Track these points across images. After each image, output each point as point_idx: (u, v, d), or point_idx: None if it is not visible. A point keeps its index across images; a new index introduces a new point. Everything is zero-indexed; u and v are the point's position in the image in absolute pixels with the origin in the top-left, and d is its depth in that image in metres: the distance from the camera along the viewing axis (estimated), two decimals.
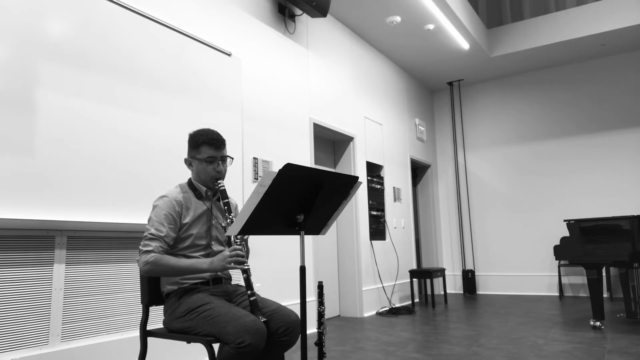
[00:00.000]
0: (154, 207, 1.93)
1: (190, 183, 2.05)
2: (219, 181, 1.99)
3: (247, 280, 1.84)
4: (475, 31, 6.13)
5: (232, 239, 1.89)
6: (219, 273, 2.00)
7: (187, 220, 1.95)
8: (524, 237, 6.97)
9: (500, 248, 7.14)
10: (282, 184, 1.53)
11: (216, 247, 2.03)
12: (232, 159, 2.09)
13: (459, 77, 7.39)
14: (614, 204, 6.39)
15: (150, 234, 1.86)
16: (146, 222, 2.82)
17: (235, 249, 1.81)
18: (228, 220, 1.94)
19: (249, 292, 1.82)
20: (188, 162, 2.05)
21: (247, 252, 2.12)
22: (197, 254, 1.96)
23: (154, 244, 1.83)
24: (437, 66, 6.90)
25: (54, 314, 2.47)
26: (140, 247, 1.84)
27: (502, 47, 6.58)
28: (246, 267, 1.84)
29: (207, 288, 1.94)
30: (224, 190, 1.99)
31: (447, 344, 3.64)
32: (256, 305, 1.81)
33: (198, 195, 2.02)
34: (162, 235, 1.86)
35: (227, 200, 1.97)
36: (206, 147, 1.97)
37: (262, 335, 1.67)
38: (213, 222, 2.03)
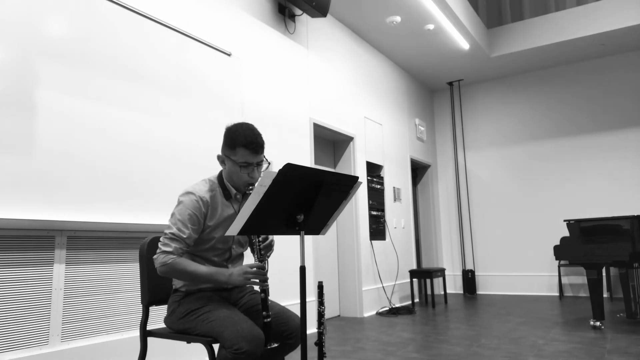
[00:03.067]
0: (179, 202, 1.84)
1: (220, 180, 1.94)
2: (250, 187, 1.88)
3: (264, 300, 1.76)
4: (475, 31, 6.13)
5: (256, 242, 1.81)
6: (229, 285, 1.97)
7: (211, 223, 1.87)
8: (524, 237, 6.97)
9: (500, 248, 7.14)
10: (282, 183, 1.53)
11: (236, 250, 1.98)
12: (270, 163, 1.95)
13: (459, 77, 7.39)
14: (614, 204, 6.39)
15: (172, 233, 1.78)
16: (148, 220, 2.83)
17: (258, 265, 1.74)
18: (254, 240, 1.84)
19: (264, 313, 1.75)
20: (221, 160, 1.91)
21: (272, 244, 1.96)
22: (216, 258, 1.92)
23: (174, 245, 1.77)
24: (437, 66, 6.90)
25: (54, 314, 2.47)
26: (160, 246, 1.78)
27: (502, 47, 6.58)
28: (265, 287, 1.76)
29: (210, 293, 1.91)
30: None
31: (447, 344, 3.64)
32: (269, 328, 1.74)
33: (227, 195, 1.92)
34: (184, 237, 1.78)
35: None
36: (243, 150, 1.82)
37: (259, 343, 1.65)
38: None
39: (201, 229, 1.85)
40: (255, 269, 1.74)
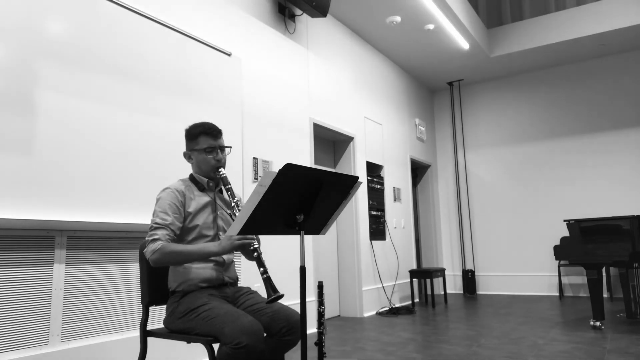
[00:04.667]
0: (158, 199, 1.93)
1: (191, 177, 2.05)
2: (219, 169, 1.99)
3: (258, 258, 1.81)
4: (475, 31, 6.13)
5: None
6: (225, 278, 1.98)
7: (191, 209, 1.94)
8: (524, 237, 6.97)
9: (500, 248, 7.13)
10: (282, 184, 1.53)
11: (224, 236, 2.01)
12: (231, 148, 2.09)
13: (459, 77, 7.39)
14: (614, 204, 6.38)
15: (156, 223, 1.85)
16: (148, 220, 2.83)
17: None
18: (233, 204, 1.93)
19: (261, 269, 1.79)
20: (187, 156, 2.04)
21: (257, 241, 2.09)
22: None
23: (160, 232, 1.82)
24: (437, 66, 6.90)
25: (54, 314, 2.47)
26: (147, 238, 1.83)
27: (502, 47, 6.58)
28: (256, 246, 1.82)
29: (209, 292, 1.92)
30: (226, 177, 1.98)
31: (447, 344, 3.64)
32: (270, 282, 1.77)
33: (200, 187, 2.01)
34: (168, 223, 1.85)
35: (229, 186, 1.96)
36: (204, 137, 1.98)
37: (259, 337, 1.66)
38: (218, 212, 2.02)
39: (182, 217, 1.92)
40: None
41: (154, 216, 1.88)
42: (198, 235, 1.95)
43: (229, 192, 1.95)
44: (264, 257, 3.88)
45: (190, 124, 2.05)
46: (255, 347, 1.63)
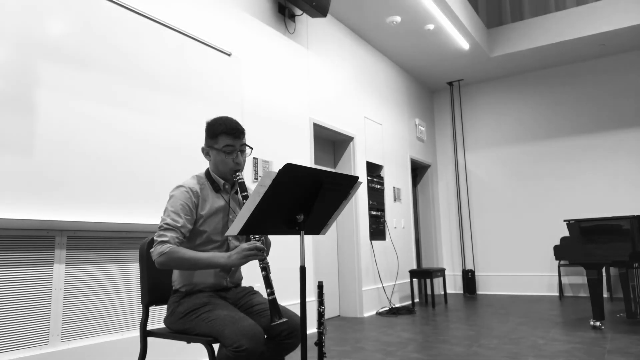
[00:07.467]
0: (170, 197, 1.87)
1: (207, 174, 1.98)
2: (237, 173, 1.92)
3: (267, 278, 1.78)
4: (475, 31, 6.13)
5: (252, 237, 1.83)
6: (227, 283, 1.97)
7: (203, 212, 1.89)
8: (524, 237, 6.97)
9: (500, 248, 7.13)
10: (282, 183, 1.53)
11: (233, 243, 1.98)
12: (252, 148, 2.02)
13: (459, 77, 7.39)
14: (614, 204, 6.38)
15: (166, 224, 1.79)
16: (148, 220, 2.83)
17: (253, 243, 1.76)
18: None
19: (268, 290, 1.76)
20: (205, 152, 1.98)
21: (268, 244, 2.05)
22: (214, 251, 1.91)
23: (170, 235, 1.77)
24: (437, 66, 6.90)
25: (54, 314, 2.47)
26: (155, 238, 1.79)
27: (502, 47, 6.58)
28: (265, 264, 1.78)
29: (211, 293, 1.91)
30: (243, 182, 1.92)
31: (447, 344, 3.64)
32: (275, 305, 1.74)
33: (216, 187, 1.96)
34: (179, 225, 1.80)
35: (246, 193, 1.90)
36: (224, 136, 1.90)
37: (259, 340, 1.65)
38: (230, 216, 1.96)
39: (194, 219, 1.88)
40: (253, 247, 1.75)
41: (165, 214, 1.83)
42: (207, 240, 1.91)
43: (244, 201, 1.88)
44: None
45: (212, 117, 1.98)
46: (256, 350, 1.63)
